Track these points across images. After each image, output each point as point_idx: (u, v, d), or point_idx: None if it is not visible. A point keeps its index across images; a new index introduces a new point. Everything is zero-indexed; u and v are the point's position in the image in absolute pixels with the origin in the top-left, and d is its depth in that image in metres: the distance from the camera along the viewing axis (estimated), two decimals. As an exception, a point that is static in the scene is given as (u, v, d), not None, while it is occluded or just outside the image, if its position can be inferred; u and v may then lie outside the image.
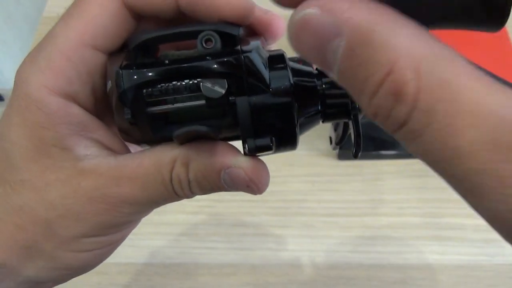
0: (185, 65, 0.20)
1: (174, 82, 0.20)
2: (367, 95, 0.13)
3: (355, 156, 0.23)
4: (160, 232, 0.49)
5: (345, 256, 0.47)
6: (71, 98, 0.21)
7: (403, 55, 0.12)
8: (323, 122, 0.23)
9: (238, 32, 0.21)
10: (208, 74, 0.20)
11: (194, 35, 0.21)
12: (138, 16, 0.22)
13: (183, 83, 0.20)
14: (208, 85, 0.19)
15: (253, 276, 0.46)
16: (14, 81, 0.22)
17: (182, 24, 0.21)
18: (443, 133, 0.12)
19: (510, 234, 0.12)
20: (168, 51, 0.22)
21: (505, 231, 0.12)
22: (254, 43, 0.21)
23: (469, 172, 0.12)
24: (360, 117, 0.23)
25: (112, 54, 0.23)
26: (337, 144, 0.27)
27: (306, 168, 0.51)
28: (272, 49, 0.23)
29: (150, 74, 0.20)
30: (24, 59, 0.22)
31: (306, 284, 0.46)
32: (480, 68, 0.12)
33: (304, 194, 0.50)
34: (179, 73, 0.20)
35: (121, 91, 0.20)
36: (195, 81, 0.20)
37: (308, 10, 0.14)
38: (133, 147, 0.25)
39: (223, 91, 0.19)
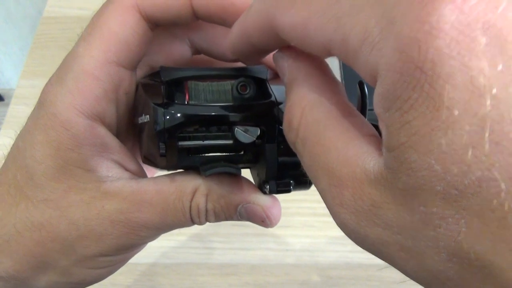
0: (225, 113, 0.21)
1: (211, 128, 0.22)
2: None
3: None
4: (160, 232, 0.49)
5: (345, 256, 0.47)
6: (97, 117, 0.22)
7: (299, 99, 0.17)
8: None
9: (267, 76, 0.22)
10: (244, 123, 0.21)
11: (228, 77, 0.22)
12: (155, 26, 0.22)
13: (219, 127, 0.22)
14: (241, 130, 0.21)
15: (253, 276, 0.46)
16: (39, 100, 0.22)
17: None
18: (308, 156, 0.17)
19: (348, 231, 0.16)
20: (198, 84, 0.22)
21: (347, 234, 0.16)
22: (282, 89, 0.22)
23: (320, 187, 0.17)
24: None
25: (143, 80, 0.23)
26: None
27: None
28: None
29: (191, 118, 0.21)
30: (50, 79, 0.22)
31: (306, 284, 0.46)
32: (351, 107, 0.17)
33: (304, 194, 0.50)
34: (217, 120, 0.21)
35: (160, 130, 0.21)
36: (230, 126, 0.22)
37: (279, 54, 0.19)
38: (147, 168, 0.25)
39: (254, 138, 0.21)
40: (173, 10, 0.22)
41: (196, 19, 0.22)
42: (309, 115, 0.17)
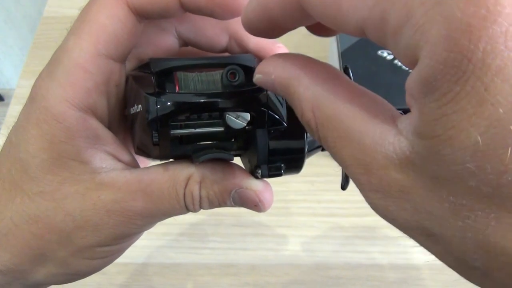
0: (215, 99, 0.22)
1: (203, 114, 0.22)
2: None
3: (343, 189, 0.26)
4: (159, 232, 0.49)
5: (345, 256, 0.47)
6: (89, 110, 0.22)
7: (303, 101, 0.17)
8: (322, 150, 0.26)
9: (254, 64, 0.23)
10: (234, 108, 0.22)
11: (217, 66, 0.23)
12: (143, 19, 0.23)
13: (210, 114, 0.22)
14: (233, 117, 0.22)
15: (253, 276, 0.46)
16: (31, 95, 0.22)
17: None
18: (334, 151, 0.17)
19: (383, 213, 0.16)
20: (187, 74, 0.23)
21: (380, 214, 0.16)
22: None
23: (351, 176, 0.16)
24: None
25: (133, 73, 0.23)
26: (343, 188, 0.28)
27: (306, 168, 0.51)
28: None
29: (182, 105, 0.21)
30: (41, 73, 0.22)
31: (306, 284, 0.46)
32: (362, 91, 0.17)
33: (304, 194, 0.50)
34: (208, 106, 0.22)
35: (152, 118, 0.21)
36: (221, 112, 0.22)
37: (257, 75, 0.20)
38: (140, 159, 0.25)
39: (245, 124, 0.22)
40: (160, 3, 0.22)
41: (184, 11, 0.22)
42: (320, 114, 0.17)
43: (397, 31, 0.13)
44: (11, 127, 0.24)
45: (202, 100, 0.21)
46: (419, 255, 0.46)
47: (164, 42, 0.25)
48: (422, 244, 0.15)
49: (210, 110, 0.22)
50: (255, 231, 0.49)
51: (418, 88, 0.12)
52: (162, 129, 0.21)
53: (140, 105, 0.22)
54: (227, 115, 0.22)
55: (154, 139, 0.22)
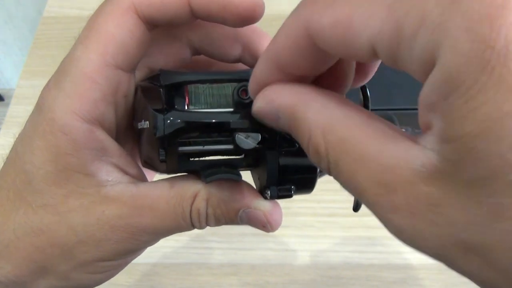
0: (225, 120, 0.21)
1: (212, 134, 0.21)
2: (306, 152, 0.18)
3: (355, 211, 0.25)
4: (160, 232, 0.49)
5: (345, 256, 0.47)
6: (96, 121, 0.21)
7: (313, 125, 0.16)
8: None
9: None
10: (244, 129, 0.21)
11: (227, 81, 0.22)
12: (153, 27, 0.22)
13: (220, 134, 0.21)
14: (243, 137, 0.21)
15: (253, 276, 0.46)
16: (37, 105, 0.22)
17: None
18: (346, 176, 0.16)
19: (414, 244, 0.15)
20: (198, 87, 0.22)
21: (409, 243, 0.15)
22: None
23: (367, 201, 0.15)
24: None
25: (143, 83, 0.23)
26: (354, 210, 0.28)
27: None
28: None
29: (191, 124, 0.21)
30: (48, 83, 0.22)
31: (306, 284, 0.46)
32: (376, 117, 0.16)
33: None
34: (217, 126, 0.21)
35: (160, 136, 0.21)
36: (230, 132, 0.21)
37: (258, 104, 0.19)
38: (147, 171, 0.25)
39: (255, 144, 0.21)
40: (170, 10, 0.21)
41: (194, 18, 0.22)
42: (331, 137, 0.16)
43: (413, 36, 0.12)
44: (11, 127, 0.24)
45: (212, 121, 0.21)
46: (419, 255, 0.46)
47: (175, 51, 0.24)
48: (457, 263, 0.14)
49: (220, 130, 0.21)
50: (255, 231, 0.48)
51: (439, 90, 0.12)
52: (170, 146, 0.21)
53: (147, 122, 0.21)
54: (237, 135, 0.21)
55: (161, 157, 0.21)
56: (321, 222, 0.49)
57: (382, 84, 0.45)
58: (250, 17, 0.21)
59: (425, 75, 0.13)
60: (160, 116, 0.20)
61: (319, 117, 0.16)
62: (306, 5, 0.16)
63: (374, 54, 0.14)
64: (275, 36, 0.18)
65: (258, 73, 0.19)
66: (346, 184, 0.16)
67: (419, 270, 0.46)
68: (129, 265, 0.25)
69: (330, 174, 0.17)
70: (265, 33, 0.24)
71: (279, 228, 0.24)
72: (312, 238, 0.48)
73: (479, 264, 0.13)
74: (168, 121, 0.20)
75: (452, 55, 0.11)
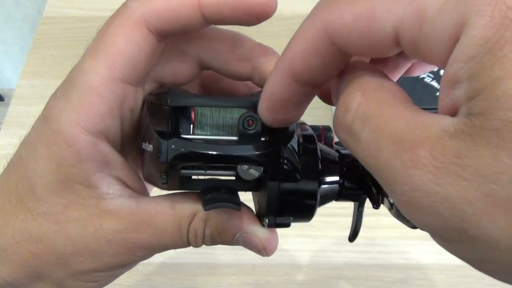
0: (229, 153, 0.21)
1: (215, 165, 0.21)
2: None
3: (350, 241, 0.25)
4: (160, 232, 0.49)
5: (345, 256, 0.47)
6: (101, 134, 0.22)
7: (356, 86, 0.17)
8: (336, 200, 0.26)
9: None
10: (248, 162, 0.21)
11: (234, 107, 0.22)
12: (165, 38, 0.22)
13: (222, 165, 0.21)
14: (245, 168, 0.21)
15: (253, 276, 0.46)
16: (44, 113, 0.22)
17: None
18: (368, 135, 0.15)
19: (417, 214, 0.14)
20: (205, 109, 0.22)
21: (413, 212, 0.14)
22: (292, 126, 0.22)
23: (385, 163, 0.15)
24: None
25: (150, 98, 0.23)
26: (350, 240, 0.28)
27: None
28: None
29: (194, 154, 0.21)
30: (56, 92, 0.22)
31: (306, 284, 0.46)
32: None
33: (304, 194, 0.50)
34: (221, 158, 0.21)
35: (163, 162, 0.21)
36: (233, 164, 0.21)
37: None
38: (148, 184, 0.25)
39: (257, 176, 0.21)
40: (182, 20, 0.21)
41: (207, 24, 0.22)
42: (371, 95, 0.16)
43: (437, 12, 0.13)
44: (11, 127, 0.24)
45: (215, 152, 0.21)
46: (419, 255, 0.46)
47: (184, 65, 0.24)
48: (480, 220, 0.13)
49: (223, 162, 0.21)
50: (255, 231, 0.48)
51: (466, 55, 0.13)
52: (172, 170, 0.21)
53: (151, 145, 0.21)
54: (239, 166, 0.21)
55: (163, 181, 0.21)
56: (321, 222, 0.49)
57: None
58: (263, 14, 0.21)
59: (448, 52, 0.13)
60: (164, 142, 0.20)
61: (368, 80, 0.17)
62: (325, 7, 0.17)
63: (396, 44, 0.15)
64: (289, 43, 0.18)
65: (269, 85, 0.19)
66: (365, 140, 0.16)
67: (419, 270, 0.46)
68: (129, 265, 0.25)
69: (345, 133, 0.17)
70: (275, 52, 0.24)
71: (279, 228, 0.25)
72: (312, 238, 0.48)
73: (506, 221, 0.12)
74: (171, 149, 0.20)
75: (478, 17, 0.12)
